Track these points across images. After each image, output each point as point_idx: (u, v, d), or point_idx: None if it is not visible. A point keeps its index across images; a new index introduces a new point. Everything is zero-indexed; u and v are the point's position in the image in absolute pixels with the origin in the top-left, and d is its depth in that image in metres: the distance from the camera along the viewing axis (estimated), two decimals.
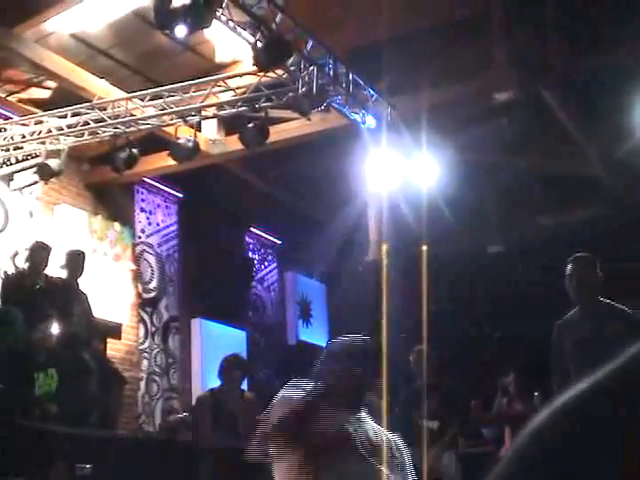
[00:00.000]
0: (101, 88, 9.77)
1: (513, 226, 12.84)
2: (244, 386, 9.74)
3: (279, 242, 14.61)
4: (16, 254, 9.85)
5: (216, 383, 9.38)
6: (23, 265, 9.24)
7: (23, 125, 9.96)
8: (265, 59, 7.92)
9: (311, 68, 8.50)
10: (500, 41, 9.73)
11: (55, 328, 8.41)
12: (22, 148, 10.02)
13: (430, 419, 8.67)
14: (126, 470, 7.62)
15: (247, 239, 14.08)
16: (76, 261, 9.24)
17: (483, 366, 11.75)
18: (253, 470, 8.43)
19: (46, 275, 9.04)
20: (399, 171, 9.45)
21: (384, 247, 8.92)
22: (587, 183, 11.92)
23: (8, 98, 10.39)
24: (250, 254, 14.07)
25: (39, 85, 10.42)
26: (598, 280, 6.57)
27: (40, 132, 9.84)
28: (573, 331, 6.50)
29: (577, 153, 11.32)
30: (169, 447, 9.27)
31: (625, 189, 11.57)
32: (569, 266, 6.54)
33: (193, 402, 10.59)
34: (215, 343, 11.92)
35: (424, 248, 6.87)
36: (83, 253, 9.50)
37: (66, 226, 10.78)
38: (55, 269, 9.29)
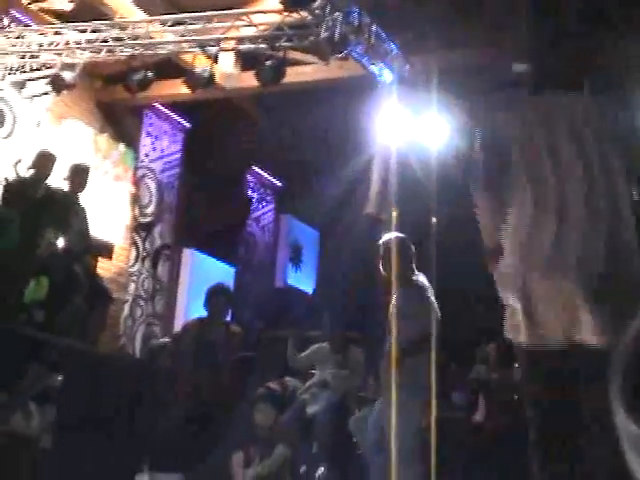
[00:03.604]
0: (124, 7, 9.75)
1: None
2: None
3: (279, 184, 14.64)
4: (19, 161, 9.86)
5: (199, 314, 9.42)
6: (26, 173, 9.20)
7: (41, 34, 9.93)
8: None
9: (336, 14, 8.49)
10: (518, 11, 9.67)
11: (52, 237, 8.44)
12: (38, 57, 10.00)
13: None
14: (99, 385, 7.74)
15: (248, 177, 14.10)
16: (80, 175, 9.12)
17: (464, 333, 11.82)
18: (225, 396, 8.53)
19: (48, 185, 9.00)
20: (409, 128, 9.46)
21: (387, 203, 8.93)
22: None
23: (30, 6, 10.33)
24: (249, 192, 14.11)
25: None
26: (409, 258, 6.74)
27: (58, 44, 9.82)
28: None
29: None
30: (145, 369, 9.35)
31: None
32: (381, 247, 6.69)
33: (175, 330, 10.68)
34: (203, 275, 11.98)
35: (433, 220, 6.87)
36: (88, 168, 9.36)
37: (71, 140, 10.79)
38: (58, 180, 9.26)
